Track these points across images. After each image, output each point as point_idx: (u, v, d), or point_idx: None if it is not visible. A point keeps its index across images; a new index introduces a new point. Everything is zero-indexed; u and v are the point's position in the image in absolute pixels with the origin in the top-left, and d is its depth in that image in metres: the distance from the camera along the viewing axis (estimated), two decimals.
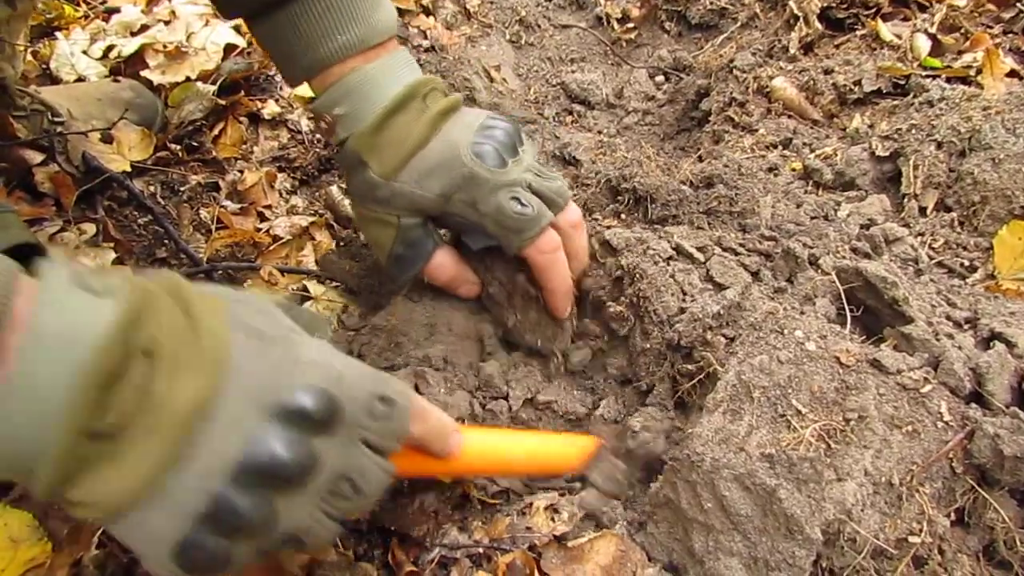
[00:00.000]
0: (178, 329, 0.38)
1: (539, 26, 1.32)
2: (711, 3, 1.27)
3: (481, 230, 0.68)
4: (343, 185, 0.99)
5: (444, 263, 0.71)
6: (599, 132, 1.23)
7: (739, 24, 1.25)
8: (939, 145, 0.87)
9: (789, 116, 1.05)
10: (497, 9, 1.31)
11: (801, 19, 1.14)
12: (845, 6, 1.16)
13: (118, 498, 0.36)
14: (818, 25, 1.13)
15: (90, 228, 0.80)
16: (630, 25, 1.31)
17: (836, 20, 1.16)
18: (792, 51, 1.11)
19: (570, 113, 1.25)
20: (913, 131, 0.89)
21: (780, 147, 1.01)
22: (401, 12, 1.22)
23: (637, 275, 0.69)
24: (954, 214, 0.84)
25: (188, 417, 0.37)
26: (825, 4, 1.15)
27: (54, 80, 1.03)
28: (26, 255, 0.61)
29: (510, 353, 0.74)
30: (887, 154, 0.89)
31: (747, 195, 0.80)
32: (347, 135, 0.67)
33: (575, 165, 1.15)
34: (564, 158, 1.17)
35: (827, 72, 1.06)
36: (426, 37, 1.20)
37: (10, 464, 0.35)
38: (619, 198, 0.82)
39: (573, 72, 1.28)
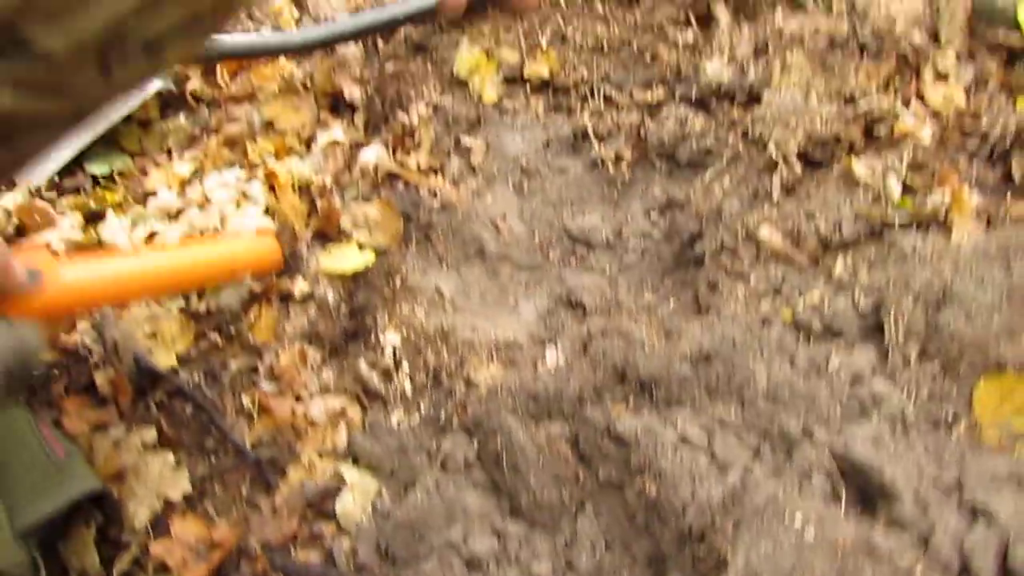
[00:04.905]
0: None
1: (540, 172, 1.41)
2: (696, 145, 1.36)
3: None
4: (372, 357, 1.07)
5: None
6: (602, 271, 1.31)
7: (725, 162, 1.35)
8: (916, 299, 0.94)
9: (778, 261, 1.13)
10: (500, 159, 1.41)
11: (781, 162, 1.24)
12: (821, 145, 1.25)
13: None
14: (797, 169, 1.22)
15: (149, 434, 0.88)
16: (624, 166, 1.41)
17: (814, 160, 1.25)
18: (775, 196, 1.20)
19: (574, 254, 1.34)
20: (891, 286, 0.97)
21: (771, 295, 1.09)
22: (410, 170, 1.32)
23: (650, 469, 0.76)
24: (937, 363, 0.91)
25: None
26: (802, 146, 1.24)
27: None
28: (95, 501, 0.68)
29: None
30: (870, 308, 0.97)
31: (743, 370, 0.88)
32: None
33: (582, 309, 1.23)
34: (570, 302, 1.25)
35: (809, 216, 1.15)
36: (436, 197, 1.30)
37: None
38: (626, 380, 0.89)
39: (574, 215, 1.37)
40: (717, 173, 1.35)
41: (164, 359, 0.99)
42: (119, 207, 1.19)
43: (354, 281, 1.16)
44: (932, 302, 0.93)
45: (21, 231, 1.14)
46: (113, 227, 1.13)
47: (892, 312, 0.95)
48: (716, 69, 1.40)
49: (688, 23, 1.45)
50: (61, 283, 0.59)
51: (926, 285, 0.94)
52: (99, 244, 1.11)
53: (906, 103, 1.27)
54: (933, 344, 0.92)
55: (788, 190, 1.23)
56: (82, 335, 1.04)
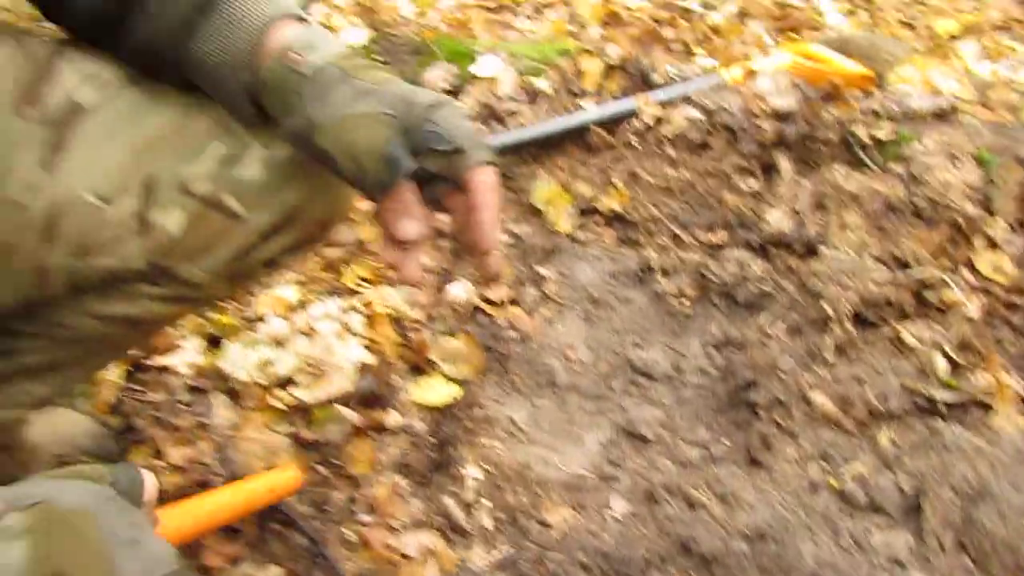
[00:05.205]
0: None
1: (607, 302, 1.54)
2: (755, 288, 1.48)
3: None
4: (455, 490, 1.19)
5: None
6: (661, 403, 1.43)
7: (781, 308, 1.46)
8: (954, 490, 1.05)
9: (827, 423, 1.24)
10: (571, 288, 1.54)
11: (834, 320, 1.34)
12: (874, 307, 1.35)
13: None
14: (850, 328, 1.33)
15: (275, 572, 1.01)
16: (685, 301, 1.52)
17: (866, 320, 1.35)
18: (828, 356, 1.31)
19: (635, 385, 1.46)
20: (932, 473, 1.07)
21: (820, 459, 1.19)
22: (492, 303, 1.45)
23: None
24: (969, 557, 1.01)
25: None
26: (855, 306, 1.35)
27: (228, 385, 1.27)
28: None
29: None
30: (911, 490, 1.08)
31: (793, 549, 0.99)
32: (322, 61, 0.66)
33: (642, 441, 1.35)
34: (631, 434, 1.37)
35: (859, 382, 1.25)
36: (515, 329, 1.42)
37: None
38: (689, 553, 1.01)
39: (637, 346, 1.49)
40: (773, 318, 1.46)
41: None
42: (233, 331, 1.34)
43: (440, 412, 1.29)
44: (969, 496, 1.04)
45: (148, 354, 1.29)
46: (231, 356, 1.27)
47: (931, 499, 1.05)
48: (777, 218, 1.51)
49: (752, 172, 1.56)
50: (164, 529, 0.75)
51: (964, 479, 1.05)
52: (219, 373, 1.26)
53: (955, 271, 1.37)
54: (967, 537, 1.02)
55: (840, 350, 1.33)
56: (203, 455, 1.18)
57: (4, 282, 0.70)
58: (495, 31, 2.19)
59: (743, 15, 2.21)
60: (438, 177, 0.67)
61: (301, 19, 0.70)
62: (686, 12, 2.25)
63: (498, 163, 0.69)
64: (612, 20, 2.24)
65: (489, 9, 2.36)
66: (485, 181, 0.67)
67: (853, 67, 1.67)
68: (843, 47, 1.81)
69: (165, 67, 0.70)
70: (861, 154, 1.53)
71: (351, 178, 0.67)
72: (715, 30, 2.08)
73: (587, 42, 2.04)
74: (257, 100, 0.69)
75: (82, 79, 0.70)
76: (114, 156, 0.69)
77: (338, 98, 0.65)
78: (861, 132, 1.54)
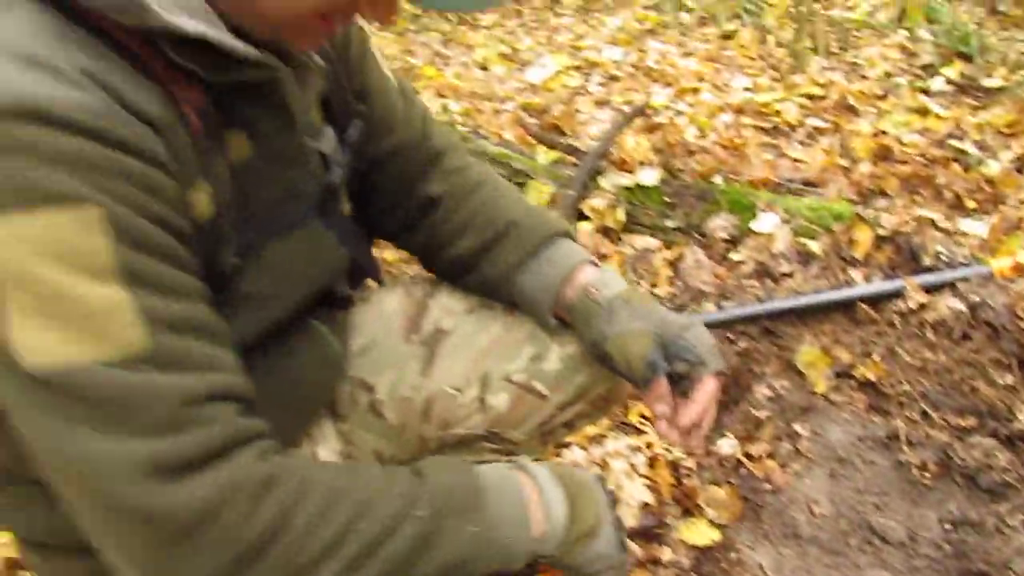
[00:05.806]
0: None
1: (852, 463, 1.76)
2: (998, 478, 1.63)
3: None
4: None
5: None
6: (894, 568, 1.64)
7: (1023, 500, 1.60)
8: None
9: None
10: (821, 446, 1.77)
11: None
12: None
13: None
14: None
15: None
16: (927, 475, 1.70)
17: None
18: None
19: (871, 545, 1.68)
20: None
21: None
22: (752, 458, 1.72)
23: None
24: None
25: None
26: None
27: None
28: None
29: None
30: None
31: None
32: (612, 294, 0.99)
33: None
34: None
35: None
36: (769, 481, 1.69)
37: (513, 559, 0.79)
38: None
39: (876, 509, 1.70)
40: (1013, 508, 1.61)
41: None
42: (545, 455, 1.72)
43: (702, 552, 1.60)
44: None
45: None
46: None
47: None
48: None
49: (1009, 367, 1.69)
50: None
51: None
52: None
53: None
54: None
55: None
56: None
57: (401, 447, 1.08)
58: (767, 160, 2.40)
59: (1022, 164, 2.25)
60: (686, 377, 0.98)
61: (595, 264, 1.05)
62: (961, 153, 2.33)
63: (727, 371, 0.99)
64: (883, 154, 2.37)
65: (764, 131, 2.57)
66: (706, 387, 0.97)
67: None
68: None
69: (497, 293, 1.07)
70: None
71: (625, 374, 0.99)
72: (990, 181, 2.16)
73: (857, 178, 2.21)
74: (560, 315, 1.05)
75: (443, 311, 1.09)
76: (463, 362, 1.05)
77: (620, 319, 0.96)
78: None
